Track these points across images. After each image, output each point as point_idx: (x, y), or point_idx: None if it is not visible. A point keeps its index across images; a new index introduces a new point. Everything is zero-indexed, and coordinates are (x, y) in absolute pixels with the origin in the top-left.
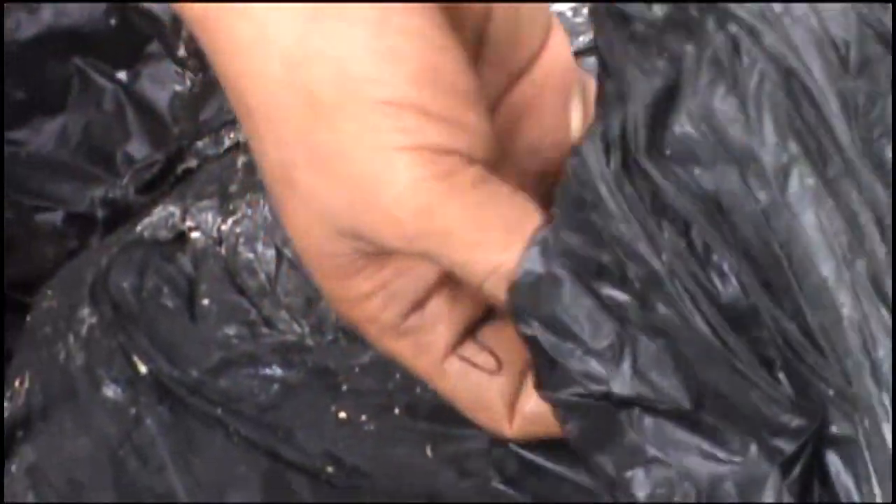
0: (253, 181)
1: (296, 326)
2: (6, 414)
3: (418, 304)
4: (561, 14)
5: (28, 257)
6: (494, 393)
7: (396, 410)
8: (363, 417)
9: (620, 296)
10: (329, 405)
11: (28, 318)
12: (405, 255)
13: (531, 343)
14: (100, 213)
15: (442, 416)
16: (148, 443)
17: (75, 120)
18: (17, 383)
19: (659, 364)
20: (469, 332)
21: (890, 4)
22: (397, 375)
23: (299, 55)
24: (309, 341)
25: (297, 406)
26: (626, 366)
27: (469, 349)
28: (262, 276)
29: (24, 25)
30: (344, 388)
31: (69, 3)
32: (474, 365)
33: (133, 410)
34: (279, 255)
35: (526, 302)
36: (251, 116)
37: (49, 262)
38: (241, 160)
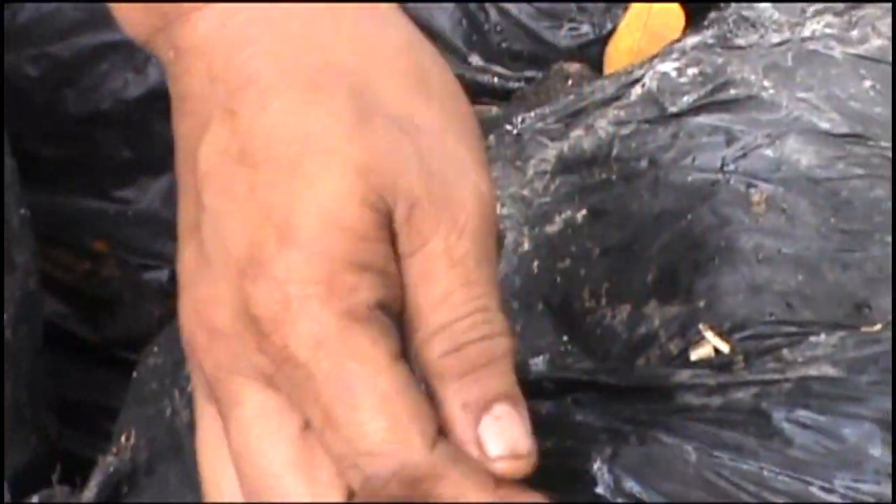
0: None
1: None
2: (111, 469)
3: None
4: (665, 74)
5: (134, 315)
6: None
7: None
8: None
9: None
10: None
11: (134, 375)
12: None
13: None
14: None
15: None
16: None
17: None
18: (123, 439)
19: None
20: None
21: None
22: None
23: None
24: None
25: None
26: None
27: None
28: None
29: (132, 85)
30: None
31: None
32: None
33: None
34: None
35: None
36: None
37: (155, 320)
38: None
